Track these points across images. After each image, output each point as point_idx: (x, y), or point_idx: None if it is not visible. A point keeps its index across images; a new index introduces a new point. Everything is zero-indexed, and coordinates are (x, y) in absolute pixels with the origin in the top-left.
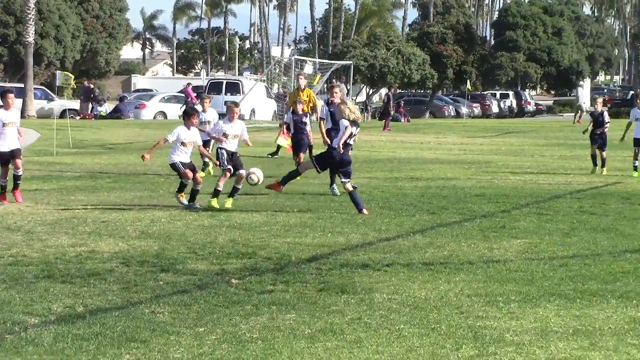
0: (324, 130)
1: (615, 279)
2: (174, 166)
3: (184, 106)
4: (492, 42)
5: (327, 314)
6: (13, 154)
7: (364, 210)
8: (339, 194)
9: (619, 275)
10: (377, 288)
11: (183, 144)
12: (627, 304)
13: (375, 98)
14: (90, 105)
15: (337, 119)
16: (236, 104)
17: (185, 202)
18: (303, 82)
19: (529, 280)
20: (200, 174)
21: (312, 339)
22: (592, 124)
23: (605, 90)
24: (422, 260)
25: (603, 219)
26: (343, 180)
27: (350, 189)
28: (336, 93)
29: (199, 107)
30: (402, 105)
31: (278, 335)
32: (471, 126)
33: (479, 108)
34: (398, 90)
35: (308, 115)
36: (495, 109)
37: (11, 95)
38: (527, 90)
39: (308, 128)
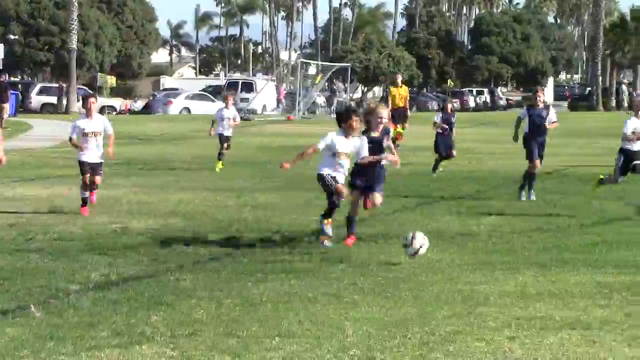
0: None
1: (584, 249)
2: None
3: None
4: (470, 46)
5: (327, 280)
6: (93, 169)
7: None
8: None
9: (588, 246)
10: (371, 258)
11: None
12: (594, 271)
13: (369, 95)
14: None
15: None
16: None
17: (330, 231)
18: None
19: (511, 251)
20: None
21: (313, 301)
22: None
23: (566, 88)
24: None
25: (566, 198)
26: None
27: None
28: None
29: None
30: None
31: (284, 298)
32: None
33: (458, 103)
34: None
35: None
36: (472, 103)
37: (92, 100)
38: (499, 87)
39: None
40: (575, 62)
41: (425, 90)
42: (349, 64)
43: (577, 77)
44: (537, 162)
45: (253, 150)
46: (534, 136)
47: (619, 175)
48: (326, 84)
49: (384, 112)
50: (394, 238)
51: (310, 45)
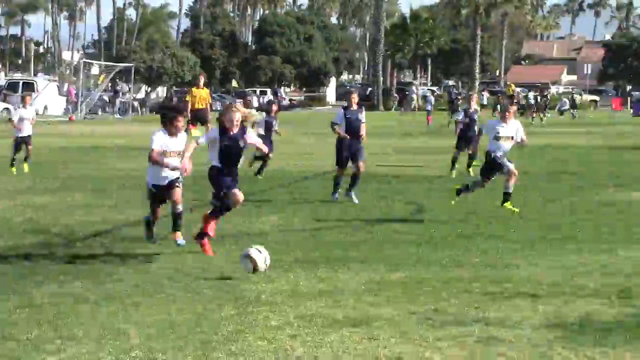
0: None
1: (354, 246)
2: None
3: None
4: (254, 46)
5: (110, 282)
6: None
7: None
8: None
9: (359, 243)
10: (153, 259)
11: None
12: (364, 268)
13: (153, 95)
14: None
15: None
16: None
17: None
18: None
19: (285, 249)
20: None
21: (96, 304)
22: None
23: (349, 87)
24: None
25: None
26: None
27: None
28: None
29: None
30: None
31: (66, 301)
32: None
33: (242, 103)
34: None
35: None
36: (255, 104)
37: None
38: (282, 87)
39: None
40: (357, 63)
41: (210, 91)
42: (132, 64)
43: (359, 77)
44: (343, 170)
45: (33, 150)
46: (351, 137)
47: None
48: (109, 84)
49: (236, 115)
50: (170, 240)
51: (93, 45)
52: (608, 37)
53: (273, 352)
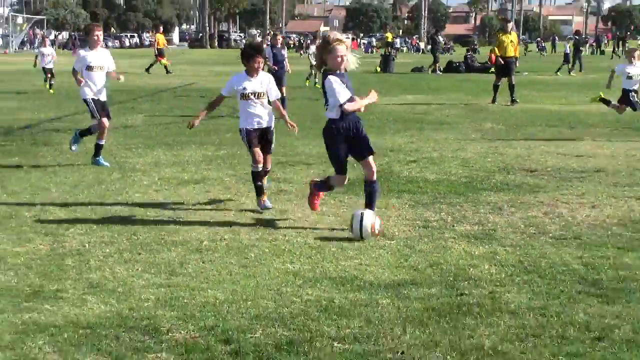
0: None
1: (194, 134)
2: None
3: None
4: (124, 6)
5: (37, 157)
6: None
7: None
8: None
9: (197, 132)
10: (68, 143)
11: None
12: (200, 147)
13: (60, 37)
14: None
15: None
16: None
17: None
18: None
19: (150, 136)
20: None
21: (28, 171)
22: None
23: (187, 34)
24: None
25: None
26: None
27: None
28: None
29: None
30: None
31: (8, 169)
32: None
33: None
34: None
35: None
36: (128, 43)
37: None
38: (144, 33)
39: None
40: (192, 17)
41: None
42: (44, 17)
43: (193, 27)
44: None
45: None
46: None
47: None
48: (30, 30)
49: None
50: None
51: (17, 3)
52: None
53: (145, 200)
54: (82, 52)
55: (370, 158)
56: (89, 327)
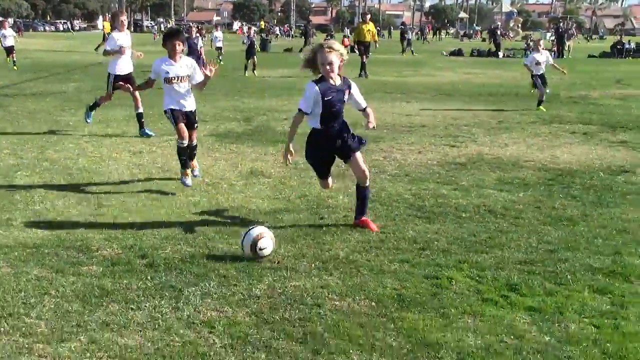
0: None
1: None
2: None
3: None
4: None
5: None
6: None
7: None
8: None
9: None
10: (11, 105)
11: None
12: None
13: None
14: None
15: None
16: None
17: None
18: None
19: (80, 100)
20: None
21: None
22: None
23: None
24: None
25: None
26: None
27: None
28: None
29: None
30: None
31: None
32: None
33: None
34: None
35: None
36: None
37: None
38: (74, 20)
39: None
40: (113, 8)
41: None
42: None
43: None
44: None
45: None
46: None
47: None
48: None
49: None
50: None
51: None
52: None
53: (77, 150)
54: (114, 34)
55: (358, 155)
56: (34, 247)
